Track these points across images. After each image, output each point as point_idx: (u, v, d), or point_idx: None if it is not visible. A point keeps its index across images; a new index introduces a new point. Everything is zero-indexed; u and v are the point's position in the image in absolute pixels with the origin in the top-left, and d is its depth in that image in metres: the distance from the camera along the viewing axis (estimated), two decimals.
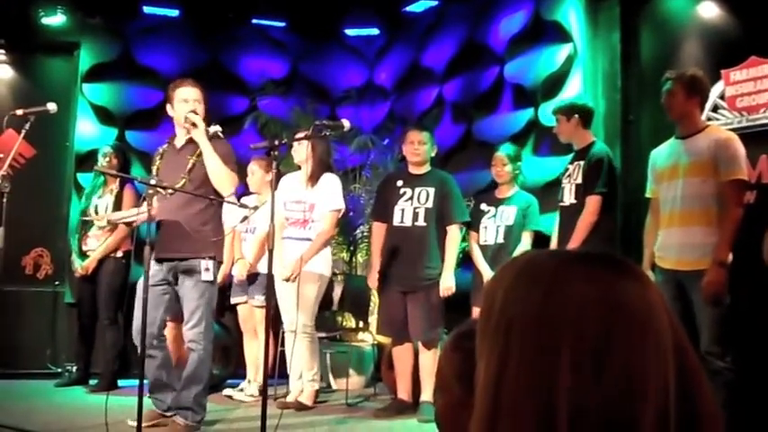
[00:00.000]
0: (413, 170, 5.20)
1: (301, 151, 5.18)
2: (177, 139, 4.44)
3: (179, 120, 4.35)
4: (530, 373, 0.77)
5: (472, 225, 5.27)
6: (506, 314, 0.81)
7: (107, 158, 5.94)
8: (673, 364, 0.79)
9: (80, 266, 5.90)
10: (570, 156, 4.84)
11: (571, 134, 4.73)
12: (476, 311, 4.94)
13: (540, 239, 5.12)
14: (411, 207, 5.09)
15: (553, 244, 4.80)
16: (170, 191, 4.12)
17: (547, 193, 5.36)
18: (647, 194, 4.23)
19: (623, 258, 0.85)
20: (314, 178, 5.21)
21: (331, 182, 5.26)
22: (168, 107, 4.44)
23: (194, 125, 4.23)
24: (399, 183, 5.20)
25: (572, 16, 5.71)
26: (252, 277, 5.63)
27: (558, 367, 0.76)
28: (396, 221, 5.12)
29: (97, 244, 5.89)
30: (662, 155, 4.12)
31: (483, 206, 5.25)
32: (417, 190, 5.11)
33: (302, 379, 5.19)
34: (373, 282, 5.23)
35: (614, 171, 4.65)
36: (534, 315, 0.80)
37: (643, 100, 5.12)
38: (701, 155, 3.88)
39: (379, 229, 5.27)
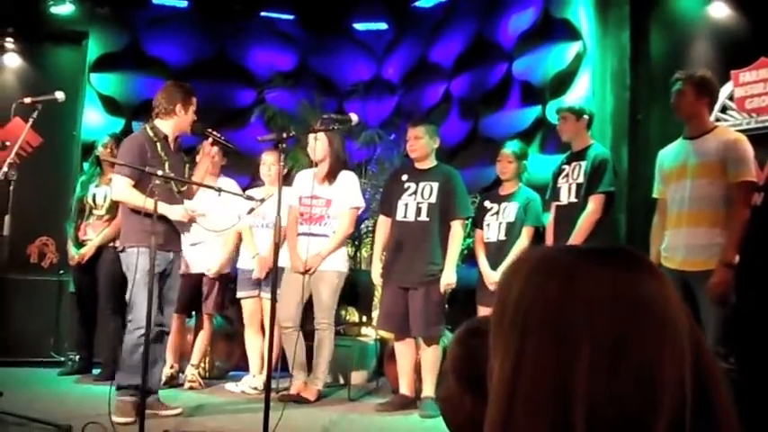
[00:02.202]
0: (418, 165, 5.18)
1: (318, 148, 5.13)
2: (170, 138, 4.50)
3: (185, 124, 4.48)
4: (546, 370, 0.77)
5: (477, 223, 5.26)
6: (521, 311, 0.80)
7: (107, 148, 5.86)
8: (689, 360, 0.78)
9: (76, 254, 5.91)
10: (563, 156, 4.86)
11: (576, 134, 4.75)
12: (480, 310, 4.93)
13: (541, 236, 5.12)
14: (414, 202, 5.06)
15: (548, 242, 4.80)
16: (181, 187, 4.45)
17: None
18: (655, 194, 4.22)
19: (638, 253, 0.84)
20: (332, 175, 5.20)
21: (350, 179, 5.27)
22: (179, 106, 4.45)
23: (215, 144, 4.50)
24: (404, 177, 5.18)
25: (582, 14, 5.70)
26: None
27: (574, 364, 0.75)
28: (399, 216, 5.10)
29: (94, 234, 5.90)
30: (670, 155, 4.11)
31: (487, 203, 5.24)
32: (421, 185, 5.08)
33: (311, 374, 5.18)
34: (377, 278, 5.22)
35: (616, 172, 4.70)
36: (550, 312, 0.79)
37: (652, 99, 5.11)
38: (709, 156, 3.87)
39: (383, 224, 5.25)
